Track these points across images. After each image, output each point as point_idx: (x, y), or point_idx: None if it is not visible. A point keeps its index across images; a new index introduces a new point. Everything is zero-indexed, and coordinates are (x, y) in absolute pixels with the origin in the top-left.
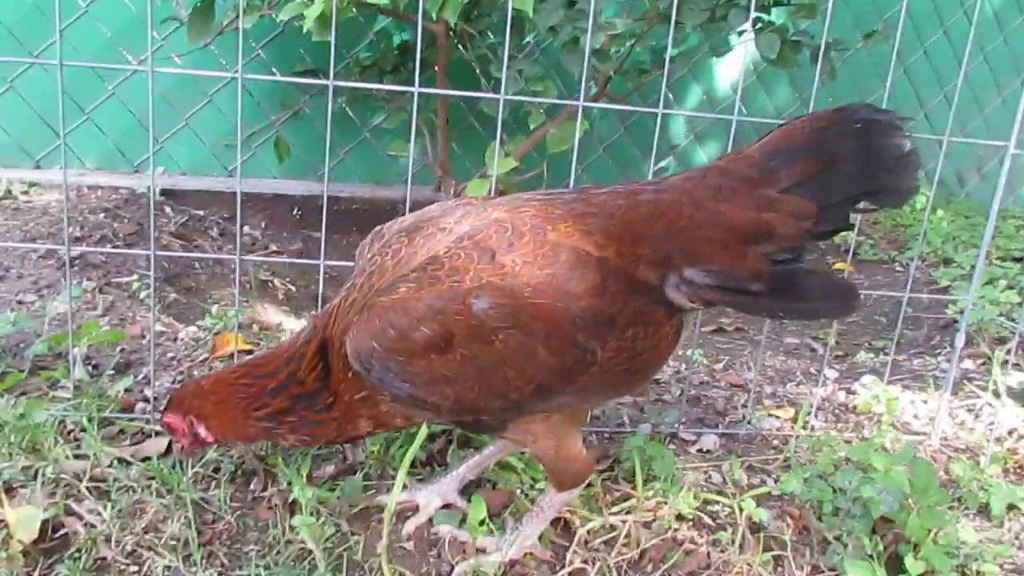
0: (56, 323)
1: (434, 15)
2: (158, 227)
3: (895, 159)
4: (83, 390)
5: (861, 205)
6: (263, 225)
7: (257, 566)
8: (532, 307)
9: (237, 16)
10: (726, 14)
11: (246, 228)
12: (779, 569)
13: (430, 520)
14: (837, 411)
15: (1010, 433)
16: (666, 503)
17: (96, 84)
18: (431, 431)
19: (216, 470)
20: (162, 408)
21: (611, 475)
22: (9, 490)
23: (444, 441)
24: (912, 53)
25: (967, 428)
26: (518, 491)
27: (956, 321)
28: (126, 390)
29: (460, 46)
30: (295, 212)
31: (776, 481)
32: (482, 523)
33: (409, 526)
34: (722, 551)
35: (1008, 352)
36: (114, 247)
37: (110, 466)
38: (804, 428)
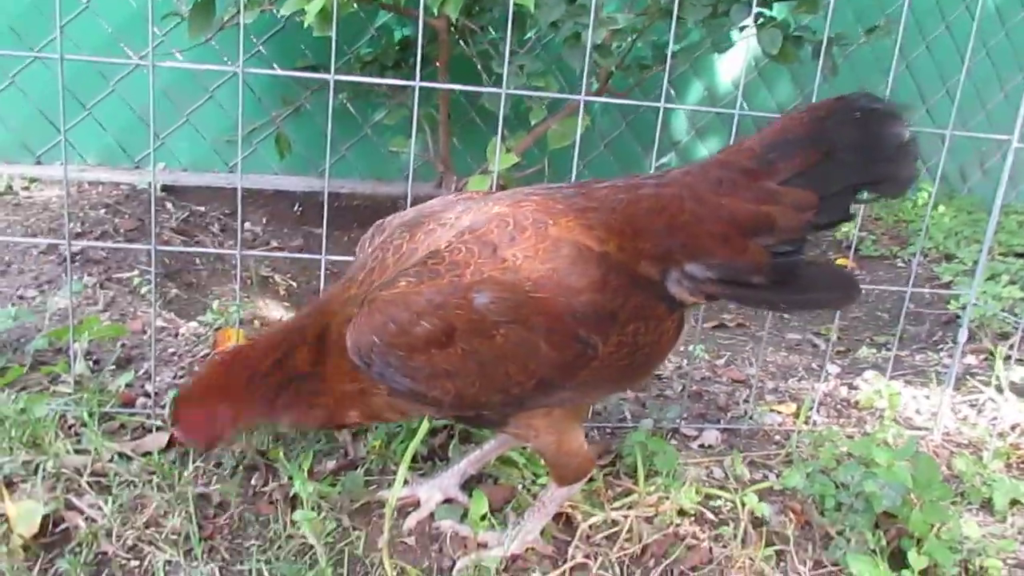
0: (57, 318)
1: (435, 11)
2: (159, 223)
3: (895, 148)
4: (84, 385)
5: (863, 195)
6: (264, 221)
7: (258, 561)
8: (533, 302)
9: (238, 11)
10: (728, 9)
11: (247, 224)
12: (781, 564)
13: (431, 515)
14: (839, 406)
15: (1013, 428)
16: (668, 498)
17: (97, 80)
18: (432, 426)
19: (218, 465)
20: (171, 420)
21: (613, 470)
22: (10, 484)
23: (445, 436)
24: (914, 48)
25: (970, 423)
26: (520, 486)
27: (958, 317)
28: (127, 385)
29: (461, 42)
30: (296, 208)
31: (778, 476)
32: (483, 518)
33: (410, 521)
34: (724, 546)
35: (1011, 347)
36: (115, 243)
37: (111, 461)
38: (806, 423)
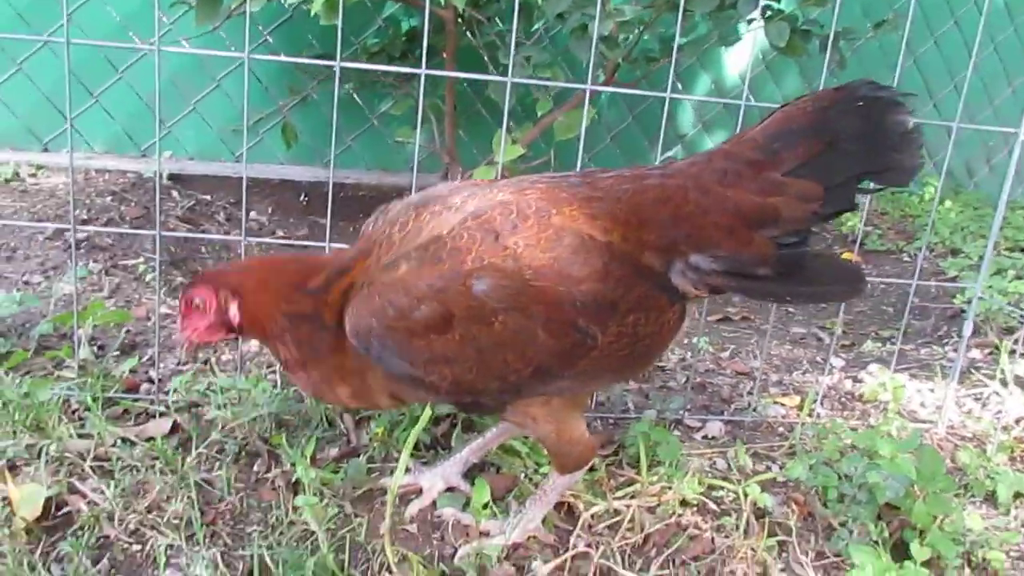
0: (62, 304)
1: (443, 1)
2: (165, 211)
3: (898, 136)
4: (88, 370)
5: (868, 185)
6: (270, 211)
7: (260, 546)
8: (533, 290)
9: (245, 0)
10: (735, 2)
11: (253, 213)
12: (783, 555)
13: (433, 503)
14: (843, 399)
15: (1017, 422)
16: (670, 488)
17: (105, 68)
18: (435, 415)
19: (220, 451)
20: (190, 282)
21: (615, 460)
22: (13, 468)
23: (448, 425)
24: (922, 43)
25: (974, 417)
26: (522, 475)
27: (964, 311)
28: (131, 371)
29: (468, 33)
30: (302, 198)
31: (781, 468)
32: (485, 506)
33: (412, 509)
34: (726, 536)
35: (1016, 342)
36: (120, 230)
37: (114, 445)
38: (810, 415)
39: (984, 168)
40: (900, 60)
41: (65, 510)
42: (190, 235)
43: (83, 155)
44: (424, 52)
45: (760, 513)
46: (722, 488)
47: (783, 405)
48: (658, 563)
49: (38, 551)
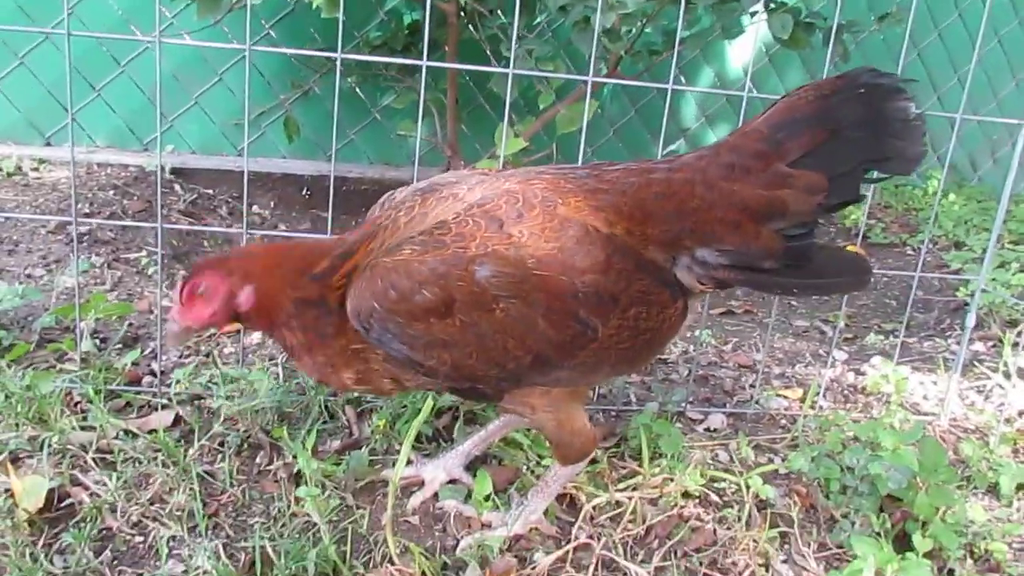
0: (64, 297)
1: None
2: (167, 205)
3: (901, 123)
4: (90, 363)
5: (873, 175)
6: (272, 204)
7: (262, 537)
8: (535, 278)
9: None
10: None
11: (255, 207)
12: (785, 546)
13: (435, 495)
14: (846, 392)
15: (1020, 414)
16: (672, 480)
17: (107, 62)
18: (437, 407)
19: (222, 443)
20: (192, 270)
21: (617, 452)
22: (16, 460)
23: (450, 417)
24: (926, 36)
25: (977, 409)
26: (524, 467)
27: (967, 304)
28: (133, 363)
29: (470, 26)
30: (304, 192)
31: (783, 460)
32: (487, 498)
33: (414, 500)
34: (728, 528)
35: (1019, 334)
36: (122, 223)
37: (116, 437)
38: (812, 408)
39: (988, 161)
40: (903, 53)
41: (68, 502)
42: (192, 228)
43: (85, 149)
44: (426, 45)
45: (762, 505)
46: (724, 480)
47: (785, 397)
48: (660, 555)
49: (41, 542)
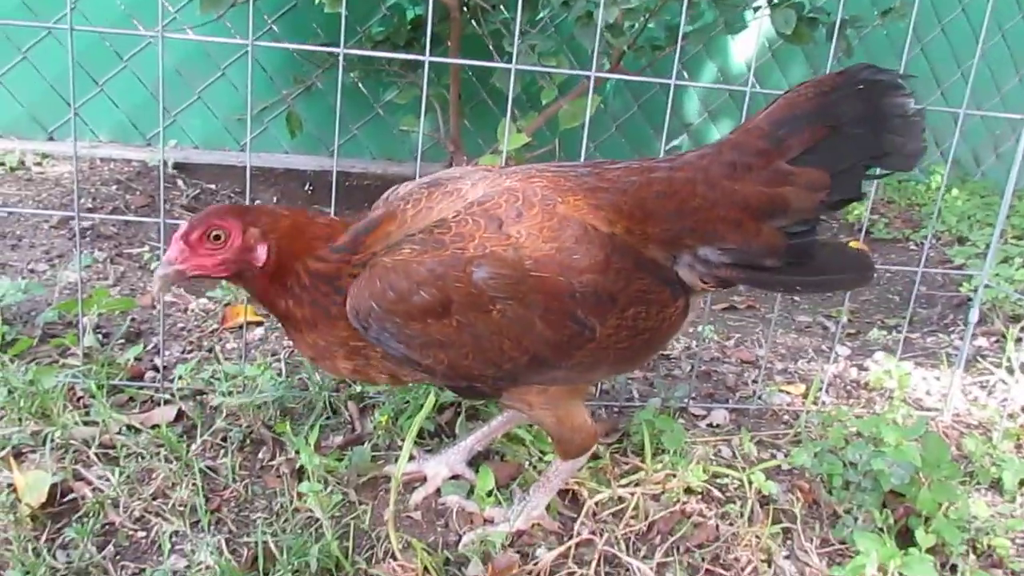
0: (67, 292)
1: None
2: (170, 200)
3: (900, 119)
4: (93, 358)
5: (873, 171)
6: (275, 200)
7: (264, 533)
8: (533, 280)
9: None
10: None
11: (258, 202)
12: (788, 542)
13: (438, 491)
14: (848, 387)
15: (1023, 409)
16: (675, 476)
17: (110, 57)
18: (439, 403)
19: (225, 438)
20: (209, 211)
21: (620, 448)
22: (18, 455)
23: (452, 413)
24: (929, 31)
25: (980, 404)
26: (526, 463)
27: (970, 299)
28: (136, 358)
29: (473, 21)
30: (307, 187)
31: (786, 456)
32: (490, 494)
33: (417, 496)
34: (731, 524)
35: (1022, 329)
36: (124, 218)
37: (119, 432)
38: (815, 403)
39: (991, 156)
40: (907, 48)
41: (70, 497)
42: None
43: (88, 144)
44: (428, 40)
45: (765, 500)
46: (727, 476)
47: (788, 393)
48: (662, 550)
49: (43, 537)
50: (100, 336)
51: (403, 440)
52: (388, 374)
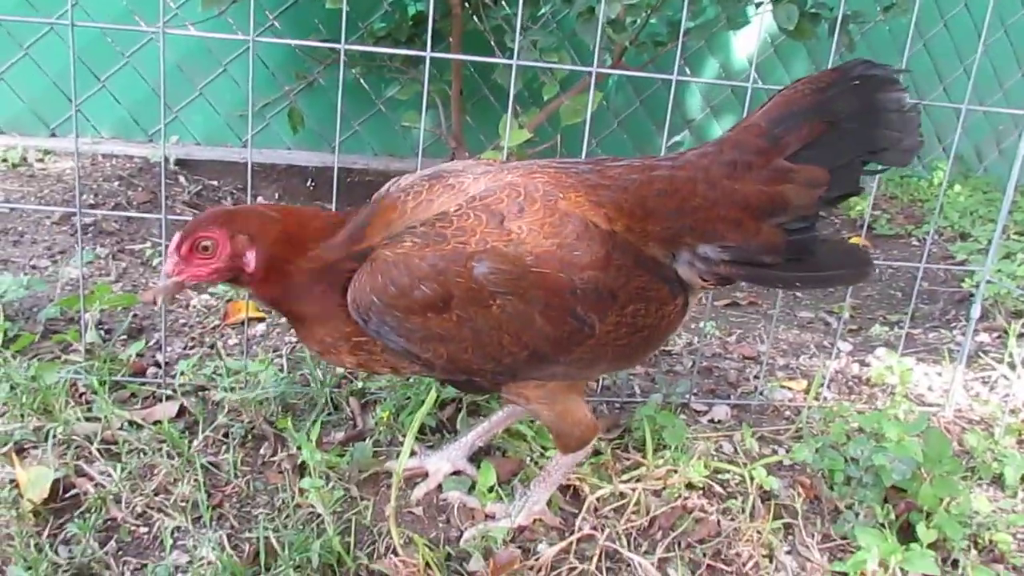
0: (69, 288)
1: None
2: (172, 196)
3: (896, 113)
4: (95, 353)
5: (872, 167)
6: (276, 196)
7: (266, 528)
8: (533, 275)
9: None
10: None
11: (259, 198)
12: (789, 537)
13: (439, 486)
14: (850, 383)
15: None
16: (676, 471)
17: (111, 53)
18: (441, 398)
19: (227, 434)
20: (196, 221)
21: (621, 444)
22: (21, 451)
23: (454, 409)
24: (931, 26)
25: (982, 400)
26: (527, 459)
27: (972, 295)
28: (138, 354)
29: (475, 17)
30: (309, 183)
31: (788, 451)
32: (491, 490)
33: (418, 492)
34: (732, 519)
35: None
36: (126, 214)
37: (121, 428)
38: (816, 399)
39: (994, 152)
40: (909, 43)
41: (72, 492)
42: None
43: (90, 140)
44: (430, 36)
45: (766, 496)
46: (728, 471)
47: (790, 389)
48: (664, 546)
49: (45, 533)
50: (102, 332)
51: (404, 436)
52: (390, 367)
